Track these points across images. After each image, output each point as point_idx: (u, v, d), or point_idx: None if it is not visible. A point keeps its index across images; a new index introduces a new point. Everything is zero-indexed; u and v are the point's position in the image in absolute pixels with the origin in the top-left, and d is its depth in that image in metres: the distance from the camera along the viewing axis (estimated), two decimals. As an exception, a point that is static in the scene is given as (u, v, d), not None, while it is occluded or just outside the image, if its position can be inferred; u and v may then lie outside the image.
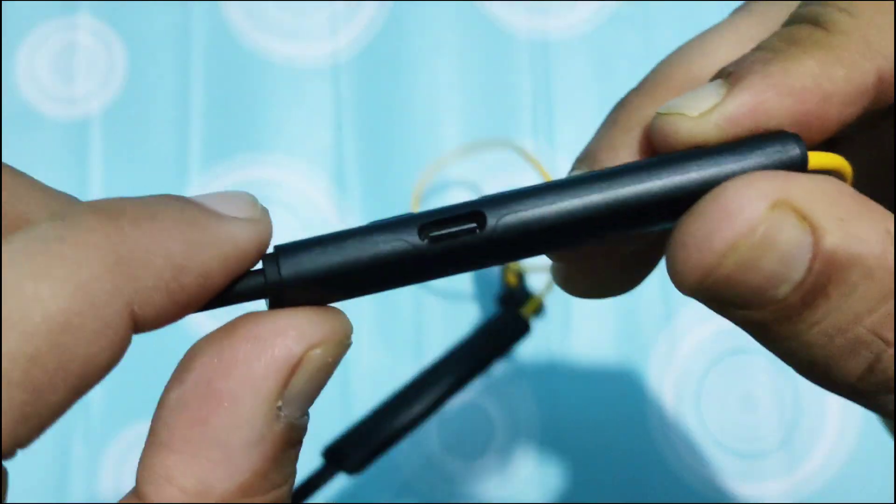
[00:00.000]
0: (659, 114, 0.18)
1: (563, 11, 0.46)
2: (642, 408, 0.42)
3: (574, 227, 0.17)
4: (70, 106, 0.45)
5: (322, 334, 0.16)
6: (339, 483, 0.41)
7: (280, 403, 0.16)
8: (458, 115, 0.45)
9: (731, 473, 0.41)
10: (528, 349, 0.42)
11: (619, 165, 0.17)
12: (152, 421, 0.16)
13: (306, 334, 0.16)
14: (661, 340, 0.42)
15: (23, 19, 0.46)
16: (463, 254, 0.16)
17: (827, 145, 0.18)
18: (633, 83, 0.21)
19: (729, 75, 0.18)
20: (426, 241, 0.16)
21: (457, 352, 0.38)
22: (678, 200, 0.17)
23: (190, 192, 0.44)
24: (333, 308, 0.17)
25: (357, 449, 0.34)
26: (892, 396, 0.17)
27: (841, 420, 0.42)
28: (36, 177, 0.17)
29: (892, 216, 0.16)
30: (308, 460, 0.36)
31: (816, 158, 0.17)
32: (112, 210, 0.15)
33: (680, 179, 0.17)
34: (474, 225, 0.16)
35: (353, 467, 0.35)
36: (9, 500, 0.37)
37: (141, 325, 0.15)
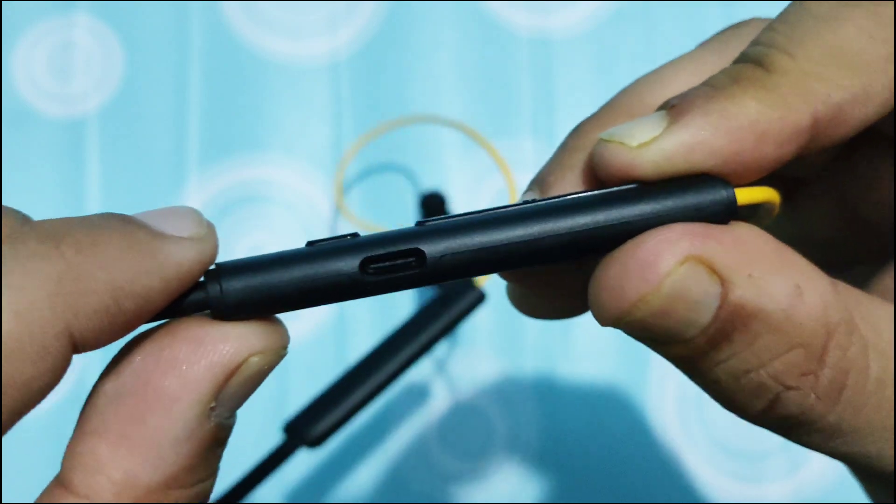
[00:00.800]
0: (601, 139, 0.18)
1: (564, 10, 0.46)
2: (644, 408, 0.42)
3: (508, 260, 0.18)
4: (67, 104, 0.45)
5: (262, 344, 0.17)
6: (336, 484, 0.41)
7: (213, 404, 0.16)
8: (458, 114, 0.45)
9: (733, 474, 0.41)
10: (529, 349, 0.42)
11: (557, 199, 0.18)
12: (84, 408, 0.17)
13: (248, 343, 0.17)
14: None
15: (20, 17, 0.46)
16: (402, 283, 0.18)
17: (790, 186, 0.19)
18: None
19: (672, 108, 0.18)
20: (366, 273, 0.17)
21: (411, 323, 0.37)
22: (607, 239, 0.18)
23: (188, 190, 0.44)
24: (274, 318, 0.17)
25: (316, 423, 0.34)
26: (794, 432, 0.18)
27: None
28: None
29: (810, 270, 0.17)
30: (270, 435, 0.36)
31: (746, 194, 0.18)
32: (56, 235, 0.15)
33: (610, 218, 0.18)
34: (413, 259, 0.17)
35: (313, 441, 0.34)
36: (7, 501, 0.37)
37: (81, 347, 0.15)
